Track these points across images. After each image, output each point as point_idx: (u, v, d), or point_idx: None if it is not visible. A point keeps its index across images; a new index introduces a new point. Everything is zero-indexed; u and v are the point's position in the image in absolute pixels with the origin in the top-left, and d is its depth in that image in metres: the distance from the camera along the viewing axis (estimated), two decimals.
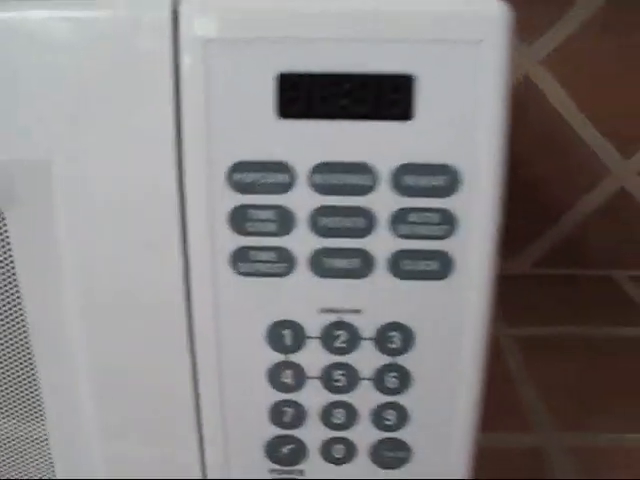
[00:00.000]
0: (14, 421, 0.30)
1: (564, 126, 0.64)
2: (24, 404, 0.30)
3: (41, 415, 0.30)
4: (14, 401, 0.30)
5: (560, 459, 0.46)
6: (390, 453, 0.28)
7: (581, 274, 0.70)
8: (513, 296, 0.66)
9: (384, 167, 0.24)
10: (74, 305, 0.27)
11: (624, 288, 0.68)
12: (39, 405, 0.30)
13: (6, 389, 0.30)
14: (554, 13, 0.62)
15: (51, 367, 0.29)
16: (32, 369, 0.29)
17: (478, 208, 0.24)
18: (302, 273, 0.25)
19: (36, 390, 0.30)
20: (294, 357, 0.26)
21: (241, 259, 0.25)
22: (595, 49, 0.63)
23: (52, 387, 0.29)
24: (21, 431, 0.31)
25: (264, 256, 0.25)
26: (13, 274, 0.27)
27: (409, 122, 0.23)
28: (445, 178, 0.24)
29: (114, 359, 0.28)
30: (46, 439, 0.30)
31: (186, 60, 0.24)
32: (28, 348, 0.29)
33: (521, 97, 0.64)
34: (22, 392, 0.30)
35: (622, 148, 0.65)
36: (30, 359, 0.29)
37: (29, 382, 0.30)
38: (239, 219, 0.24)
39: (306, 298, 0.25)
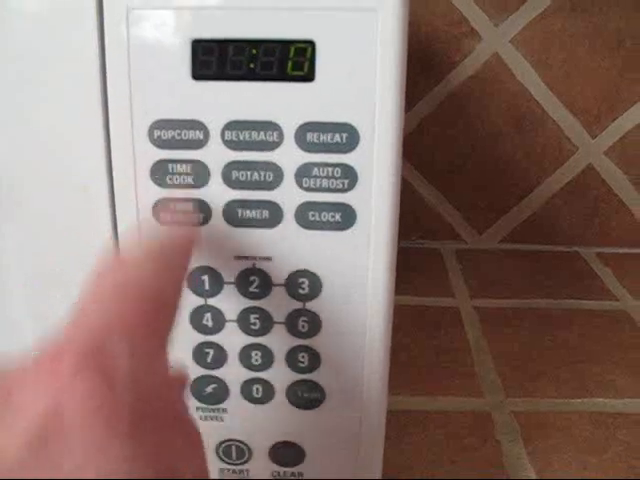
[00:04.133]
0: None
1: (533, 105, 0.66)
2: None
3: None
4: None
5: (503, 423, 0.48)
6: (305, 394, 0.30)
7: (548, 250, 0.72)
8: (478, 270, 0.68)
9: (289, 125, 0.26)
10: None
11: (590, 264, 0.70)
12: None
13: None
14: None
15: None
16: None
17: (377, 163, 0.26)
18: (217, 222, 0.27)
19: None
20: (213, 301, 0.28)
21: (163, 209, 0.27)
22: (565, 28, 0.64)
23: None
24: None
25: (183, 207, 0.27)
26: None
27: (311, 83, 0.26)
28: (345, 135, 0.26)
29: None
30: None
31: (110, 26, 0.26)
32: None
33: (491, 76, 0.65)
34: None
35: (589, 127, 0.67)
36: None
37: None
38: (160, 172, 0.27)
39: (222, 246, 0.27)
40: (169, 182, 0.27)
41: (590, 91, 0.65)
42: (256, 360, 0.29)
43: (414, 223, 0.70)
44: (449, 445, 0.46)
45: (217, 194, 0.27)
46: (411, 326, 0.59)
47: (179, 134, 0.26)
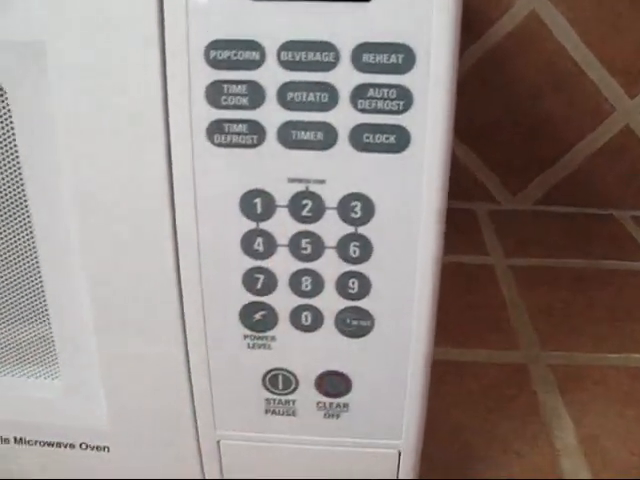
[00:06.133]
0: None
1: (570, 63, 0.65)
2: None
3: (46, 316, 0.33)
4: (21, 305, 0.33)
5: (540, 375, 0.48)
6: (354, 322, 0.30)
7: (583, 213, 0.71)
8: (512, 231, 0.68)
9: (345, 45, 0.26)
10: (70, 189, 0.29)
11: (625, 227, 0.69)
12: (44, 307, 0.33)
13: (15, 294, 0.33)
14: None
15: (53, 268, 0.32)
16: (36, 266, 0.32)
17: (432, 84, 0.26)
18: (271, 144, 0.27)
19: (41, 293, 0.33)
20: (265, 225, 0.28)
21: (217, 131, 0.27)
22: None
23: (54, 288, 0.32)
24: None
25: (237, 128, 0.27)
26: (15, 151, 0.30)
27: (368, 3, 0.26)
28: (401, 56, 0.26)
29: (104, 243, 0.30)
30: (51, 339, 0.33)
31: None
32: (34, 249, 0.32)
33: (527, 33, 0.65)
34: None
35: (628, 86, 0.66)
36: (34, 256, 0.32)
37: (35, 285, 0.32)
38: (215, 93, 0.27)
39: (275, 168, 0.27)
40: (224, 103, 0.27)
41: (629, 50, 0.64)
42: (306, 286, 0.29)
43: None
44: (486, 395, 0.46)
45: (272, 115, 0.27)
46: (446, 283, 0.58)
47: (235, 54, 0.26)
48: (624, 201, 0.70)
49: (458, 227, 0.68)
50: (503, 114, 0.67)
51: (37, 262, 0.32)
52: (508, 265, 0.62)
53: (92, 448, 0.35)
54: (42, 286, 0.32)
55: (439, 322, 0.52)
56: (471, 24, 0.65)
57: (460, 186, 0.70)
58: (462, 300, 0.56)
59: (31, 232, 0.31)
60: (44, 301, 0.33)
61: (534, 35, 0.64)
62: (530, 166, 0.69)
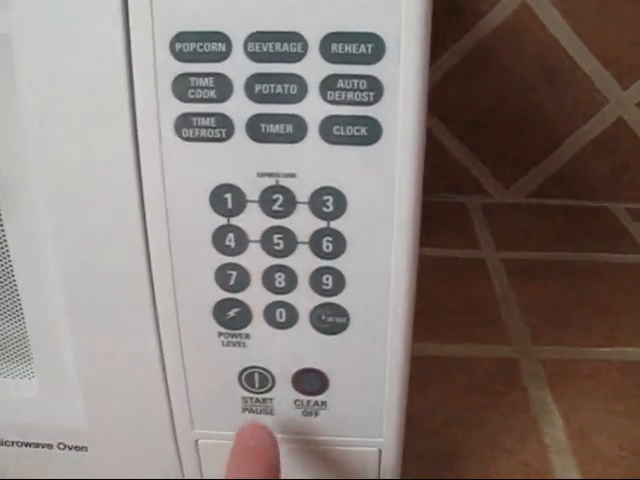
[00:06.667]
0: None
1: (562, 55, 0.65)
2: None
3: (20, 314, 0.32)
4: None
5: (531, 370, 0.48)
6: (329, 318, 0.29)
7: (577, 205, 0.70)
8: (505, 224, 0.67)
9: (313, 35, 0.25)
10: (41, 186, 0.29)
11: (619, 219, 0.68)
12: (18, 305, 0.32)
13: None
14: None
15: (26, 266, 0.31)
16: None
17: (403, 74, 0.25)
18: (240, 138, 0.27)
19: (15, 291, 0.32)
20: (236, 220, 0.28)
21: (184, 125, 0.27)
22: None
23: (28, 286, 0.32)
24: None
25: (205, 122, 0.26)
26: None
27: None
28: (371, 46, 0.25)
29: (76, 241, 0.30)
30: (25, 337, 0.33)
31: None
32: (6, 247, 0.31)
33: (519, 24, 0.64)
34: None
35: (621, 78, 0.65)
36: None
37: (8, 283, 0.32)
38: (181, 86, 0.26)
39: (245, 162, 0.27)
40: (191, 96, 0.26)
41: (622, 41, 0.64)
42: (279, 282, 0.29)
43: (440, 177, 0.69)
44: (476, 391, 0.46)
45: (240, 108, 0.26)
46: (437, 277, 0.58)
47: (201, 46, 0.26)
48: (618, 193, 0.69)
49: (450, 221, 0.67)
50: (495, 106, 0.66)
51: (10, 261, 0.31)
52: (500, 259, 0.61)
53: (70, 448, 0.35)
54: (15, 284, 0.32)
55: (430, 316, 0.52)
56: (462, 15, 0.64)
57: (452, 179, 0.69)
58: (453, 294, 0.56)
59: (2, 229, 0.30)
60: (18, 299, 0.32)
61: (525, 27, 0.63)
62: (523, 159, 0.68)
